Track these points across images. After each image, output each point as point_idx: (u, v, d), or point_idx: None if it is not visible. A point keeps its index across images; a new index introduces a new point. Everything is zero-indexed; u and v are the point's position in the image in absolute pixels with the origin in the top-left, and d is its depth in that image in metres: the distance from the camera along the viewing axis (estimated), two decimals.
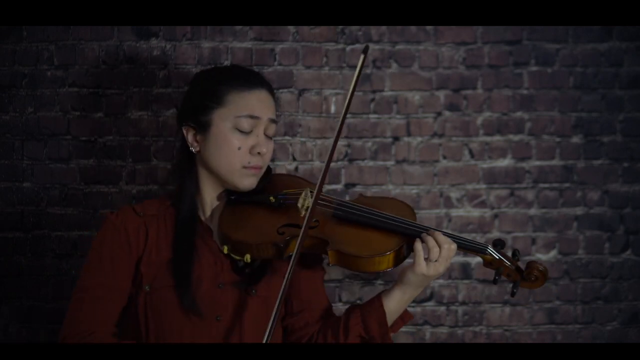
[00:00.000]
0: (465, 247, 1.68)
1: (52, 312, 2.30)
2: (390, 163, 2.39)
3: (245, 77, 1.74)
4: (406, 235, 1.67)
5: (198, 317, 1.64)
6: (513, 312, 2.39)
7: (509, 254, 1.70)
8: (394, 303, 1.68)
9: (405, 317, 1.74)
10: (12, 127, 2.32)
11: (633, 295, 2.40)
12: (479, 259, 1.72)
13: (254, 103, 1.71)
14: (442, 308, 2.39)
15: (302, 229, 1.57)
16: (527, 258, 2.36)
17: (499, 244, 1.69)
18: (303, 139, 2.37)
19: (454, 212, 2.39)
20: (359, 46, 2.38)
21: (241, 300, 1.67)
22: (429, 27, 2.39)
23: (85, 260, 1.71)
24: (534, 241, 2.40)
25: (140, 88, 2.33)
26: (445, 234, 1.65)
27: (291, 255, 1.57)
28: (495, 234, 2.39)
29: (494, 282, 1.68)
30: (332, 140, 1.63)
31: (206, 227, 1.74)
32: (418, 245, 1.63)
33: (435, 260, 1.62)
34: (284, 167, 2.35)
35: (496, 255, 1.67)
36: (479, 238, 2.38)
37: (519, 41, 2.41)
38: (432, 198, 2.39)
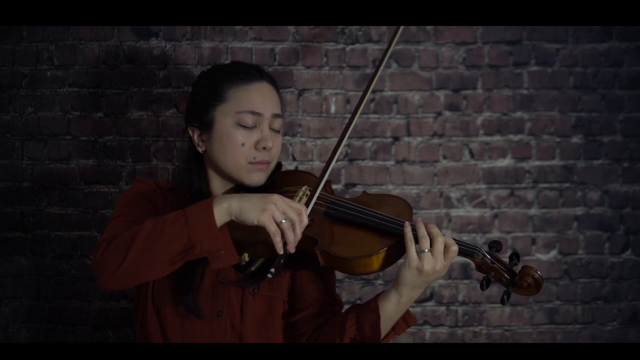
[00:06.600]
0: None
1: (52, 312, 2.30)
2: (390, 163, 2.39)
3: (245, 71, 1.73)
4: (396, 235, 1.56)
5: (198, 316, 1.64)
6: (513, 312, 2.39)
7: (507, 258, 1.57)
8: (391, 306, 1.58)
9: (409, 320, 1.66)
10: (12, 127, 2.32)
11: (633, 295, 2.40)
12: None
13: (255, 97, 1.69)
14: (442, 308, 2.39)
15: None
16: (527, 258, 2.37)
17: (494, 246, 1.57)
18: (303, 139, 2.36)
19: (454, 212, 2.39)
20: (359, 46, 2.38)
21: (243, 298, 1.67)
22: (429, 27, 2.39)
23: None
24: (534, 241, 2.40)
25: (140, 88, 2.33)
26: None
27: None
28: (495, 234, 2.39)
29: (481, 287, 1.53)
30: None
31: None
32: (408, 233, 1.53)
33: (428, 251, 1.51)
34: (284, 167, 2.34)
35: (488, 259, 1.55)
36: (479, 238, 2.38)
37: (519, 41, 2.41)
38: (432, 198, 2.39)
